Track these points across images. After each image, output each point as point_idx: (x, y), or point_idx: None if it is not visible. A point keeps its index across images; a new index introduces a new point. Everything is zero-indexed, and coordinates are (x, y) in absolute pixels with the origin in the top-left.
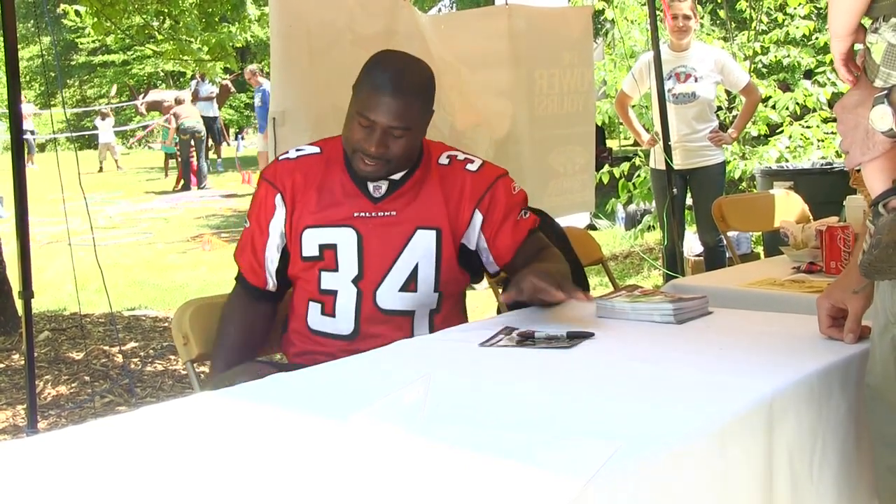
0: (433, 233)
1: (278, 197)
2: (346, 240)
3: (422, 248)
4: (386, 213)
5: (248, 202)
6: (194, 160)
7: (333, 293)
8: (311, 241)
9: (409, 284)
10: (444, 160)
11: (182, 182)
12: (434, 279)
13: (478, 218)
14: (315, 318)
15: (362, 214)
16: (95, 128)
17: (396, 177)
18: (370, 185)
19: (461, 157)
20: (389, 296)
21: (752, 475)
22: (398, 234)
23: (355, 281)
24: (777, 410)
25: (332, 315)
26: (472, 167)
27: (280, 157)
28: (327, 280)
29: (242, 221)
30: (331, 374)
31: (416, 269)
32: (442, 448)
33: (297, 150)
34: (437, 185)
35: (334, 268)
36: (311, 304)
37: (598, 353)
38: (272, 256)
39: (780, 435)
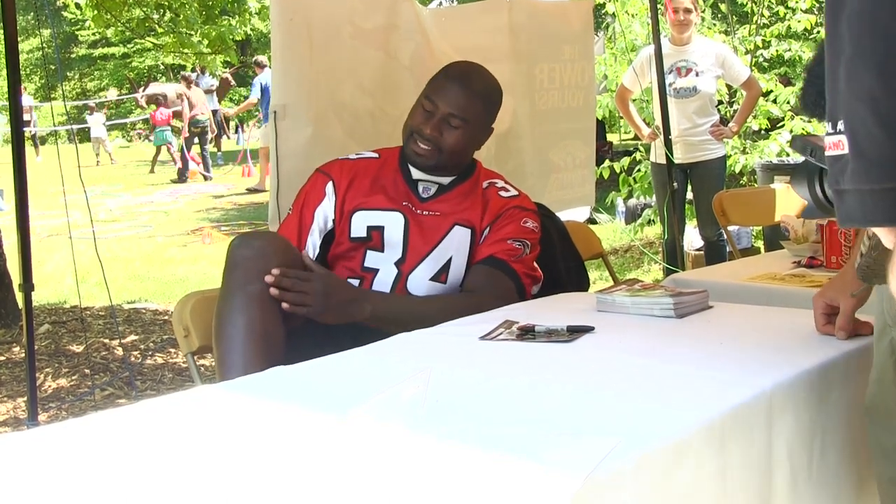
0: (469, 231)
1: (329, 185)
2: (393, 223)
3: (457, 243)
4: (430, 213)
5: (248, 196)
6: (196, 154)
7: (374, 271)
8: (360, 223)
9: (441, 275)
10: (485, 185)
11: (182, 174)
12: (464, 274)
13: (486, 233)
14: None
15: (410, 206)
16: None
17: (445, 181)
18: (420, 186)
19: (500, 184)
20: (421, 283)
21: (752, 470)
22: (438, 226)
23: (398, 263)
24: (777, 405)
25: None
26: (505, 194)
27: (340, 157)
28: (371, 259)
29: (242, 214)
30: (331, 367)
31: (449, 261)
32: (441, 442)
33: (358, 154)
34: (479, 199)
35: (380, 248)
36: (349, 280)
37: (597, 348)
38: (314, 242)
39: (780, 430)
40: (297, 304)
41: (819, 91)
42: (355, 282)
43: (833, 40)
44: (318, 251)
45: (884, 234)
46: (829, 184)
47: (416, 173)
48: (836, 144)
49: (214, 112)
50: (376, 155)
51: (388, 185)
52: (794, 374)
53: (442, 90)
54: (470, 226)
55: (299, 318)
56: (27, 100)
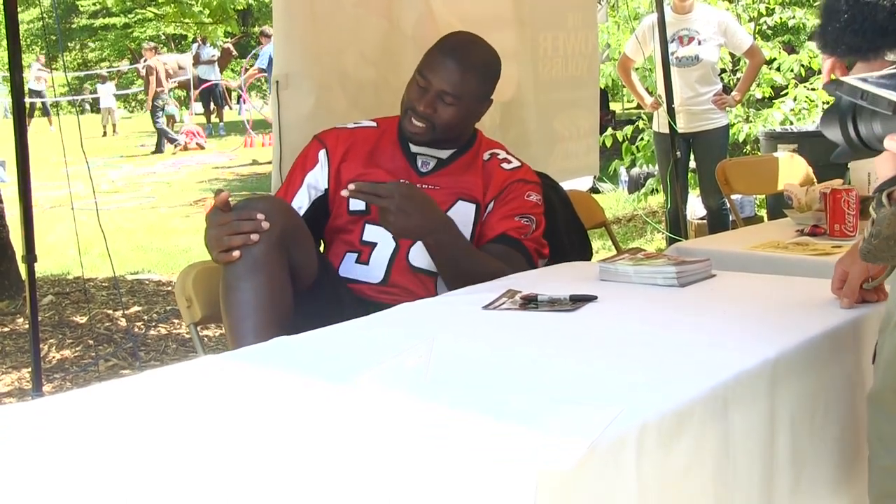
0: (473, 205)
1: (322, 152)
2: None
3: (460, 217)
4: (430, 187)
5: (251, 167)
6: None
7: (373, 245)
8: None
9: None
10: (486, 156)
11: (158, 145)
12: None
13: (490, 208)
14: (348, 265)
15: (408, 181)
16: (95, 91)
17: (444, 155)
18: (419, 160)
19: (502, 155)
20: (423, 255)
21: (755, 438)
22: (440, 201)
23: (396, 237)
24: (780, 373)
25: (366, 263)
26: (507, 166)
27: (338, 126)
28: (370, 232)
29: (245, 185)
30: (335, 337)
31: None
32: (445, 411)
33: (356, 123)
34: (479, 172)
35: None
36: (347, 254)
37: (600, 317)
38: (299, 203)
39: (783, 397)
40: (380, 217)
41: (843, 26)
42: (353, 255)
43: None
44: (303, 212)
45: None
46: None
47: (414, 147)
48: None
49: (216, 83)
50: (374, 124)
51: (387, 158)
52: (798, 342)
53: (435, 66)
54: (474, 201)
55: (305, 281)
56: (35, 68)
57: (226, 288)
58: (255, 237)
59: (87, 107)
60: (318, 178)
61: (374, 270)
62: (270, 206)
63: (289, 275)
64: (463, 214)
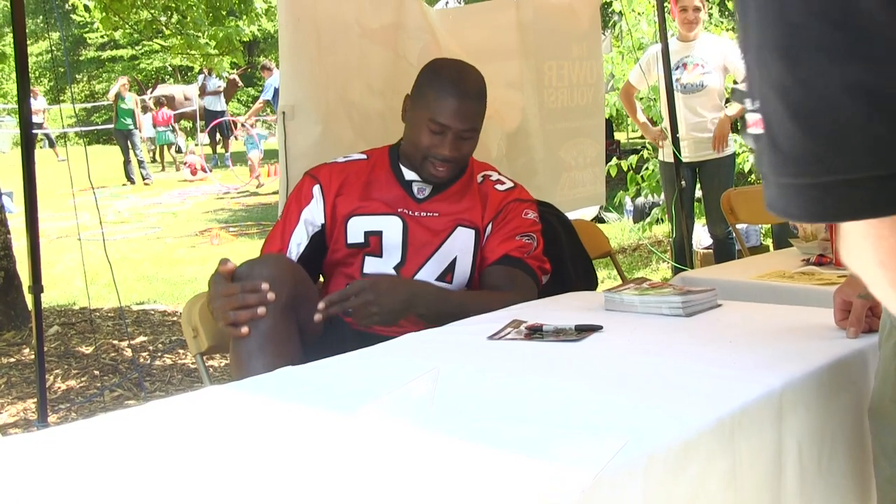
0: (472, 231)
1: (317, 188)
2: (391, 227)
3: (461, 243)
4: (428, 214)
5: (256, 197)
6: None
7: None
8: (357, 229)
9: (446, 275)
10: (479, 178)
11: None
12: (469, 274)
13: (489, 230)
14: None
15: (406, 211)
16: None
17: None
18: (415, 187)
19: (494, 176)
20: None
21: (762, 468)
22: (440, 228)
23: (397, 268)
24: (786, 403)
25: None
26: (500, 187)
27: (328, 161)
28: (371, 265)
29: (250, 215)
30: (340, 368)
31: (454, 262)
32: (451, 441)
33: (345, 156)
34: (475, 196)
35: (379, 254)
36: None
37: (606, 347)
38: (298, 240)
39: (790, 428)
40: (364, 315)
41: None
42: None
43: (743, 28)
44: (302, 250)
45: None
46: (755, 163)
47: (408, 174)
48: (758, 122)
49: (222, 113)
50: (364, 156)
51: (382, 189)
52: (804, 372)
53: (446, 108)
54: (473, 226)
55: (313, 335)
56: (41, 102)
57: (236, 363)
58: (261, 310)
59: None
60: (314, 214)
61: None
62: (275, 271)
63: (298, 339)
64: (463, 241)
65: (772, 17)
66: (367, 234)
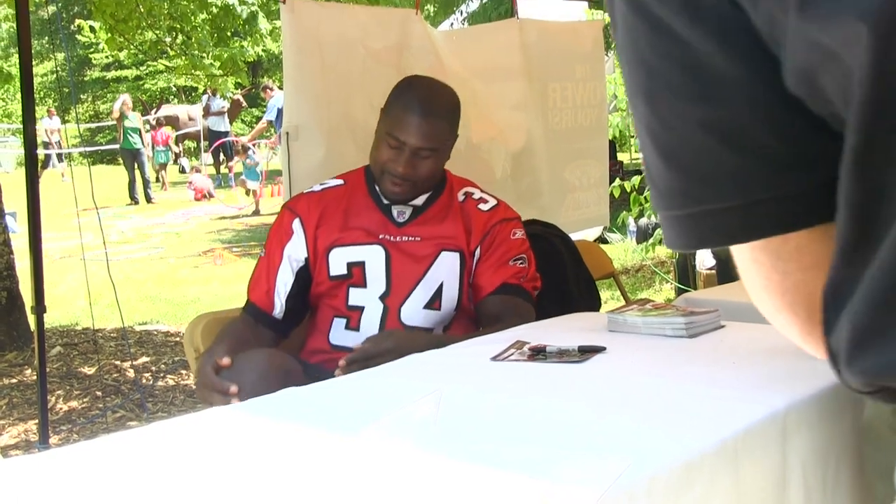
0: (457, 255)
1: (296, 222)
2: (374, 257)
3: (446, 268)
4: (410, 238)
5: (259, 217)
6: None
7: (360, 309)
8: (339, 260)
9: (434, 302)
10: (461, 197)
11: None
12: (458, 299)
13: (478, 255)
14: (338, 332)
15: (388, 237)
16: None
17: (419, 202)
18: (394, 211)
19: (477, 195)
20: (414, 312)
21: (766, 490)
22: (423, 254)
23: (382, 297)
24: (791, 425)
25: (357, 329)
26: (484, 207)
27: (305, 192)
28: (355, 296)
29: (254, 235)
30: (343, 388)
31: (440, 287)
32: (453, 462)
33: (322, 184)
34: (458, 215)
35: (363, 284)
36: (335, 319)
37: (609, 368)
38: (284, 279)
39: (794, 449)
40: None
41: None
42: (342, 321)
43: (623, 77)
44: (289, 289)
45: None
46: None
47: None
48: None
49: (226, 134)
50: (342, 182)
51: (362, 215)
52: (808, 393)
53: (404, 125)
54: (457, 249)
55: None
56: (55, 122)
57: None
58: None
59: (91, 159)
60: (296, 250)
61: (366, 335)
62: (260, 373)
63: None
64: (448, 266)
65: (634, 63)
66: (349, 265)
